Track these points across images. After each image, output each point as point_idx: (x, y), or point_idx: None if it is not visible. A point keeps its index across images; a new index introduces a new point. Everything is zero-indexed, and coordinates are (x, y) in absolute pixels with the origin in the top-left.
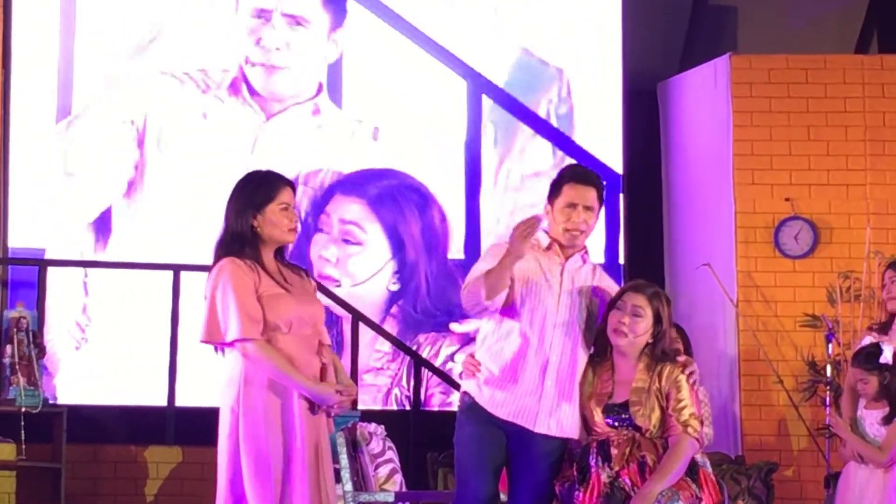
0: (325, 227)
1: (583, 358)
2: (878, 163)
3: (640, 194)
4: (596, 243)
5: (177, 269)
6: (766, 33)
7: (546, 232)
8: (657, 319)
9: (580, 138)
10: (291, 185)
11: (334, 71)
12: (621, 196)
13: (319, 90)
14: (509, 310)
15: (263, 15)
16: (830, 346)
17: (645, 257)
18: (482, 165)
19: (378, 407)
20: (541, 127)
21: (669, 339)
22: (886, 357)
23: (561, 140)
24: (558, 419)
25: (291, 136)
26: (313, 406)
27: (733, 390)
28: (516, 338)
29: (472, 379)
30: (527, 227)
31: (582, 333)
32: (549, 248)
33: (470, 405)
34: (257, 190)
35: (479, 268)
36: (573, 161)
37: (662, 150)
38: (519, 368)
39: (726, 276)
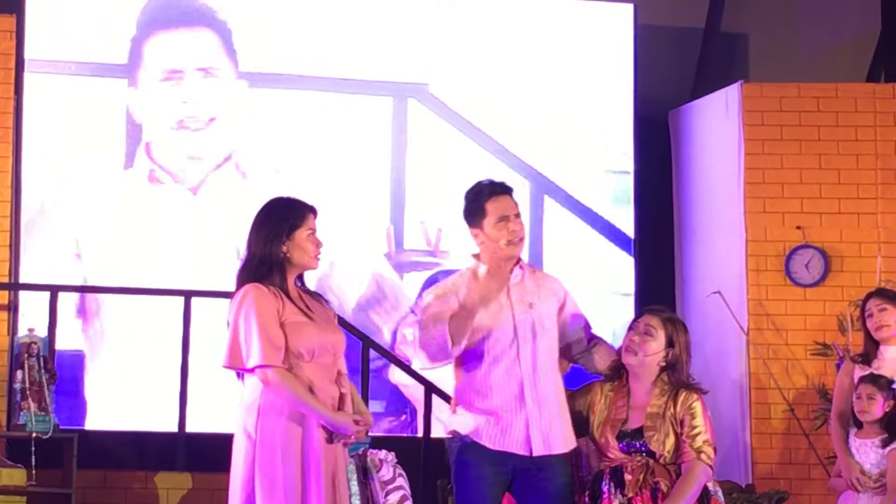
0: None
1: (555, 364)
2: (889, 191)
3: (651, 221)
4: (608, 270)
5: (188, 294)
6: (777, 62)
7: (476, 257)
8: (670, 343)
9: (590, 165)
10: (315, 211)
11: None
12: (632, 223)
13: (229, 157)
14: (472, 349)
15: (175, 75)
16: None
17: (656, 284)
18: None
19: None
20: (604, 228)
21: (686, 368)
22: None
23: (621, 240)
24: (552, 435)
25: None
26: (331, 435)
27: (744, 418)
28: (487, 371)
29: (463, 418)
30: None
31: (546, 343)
32: (487, 273)
33: (470, 445)
34: (286, 215)
35: (431, 316)
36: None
37: (674, 177)
38: (499, 399)
39: (737, 303)
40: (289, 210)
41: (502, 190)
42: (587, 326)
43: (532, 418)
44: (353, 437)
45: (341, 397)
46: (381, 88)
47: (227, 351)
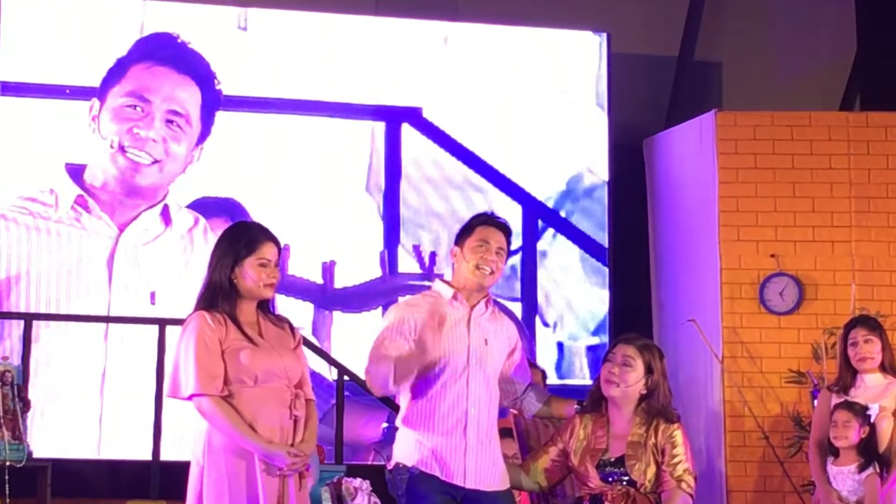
0: None
1: (496, 405)
2: (863, 219)
3: (626, 250)
4: (583, 296)
5: (162, 323)
6: (751, 90)
7: (448, 283)
8: (648, 370)
9: (568, 191)
10: (275, 241)
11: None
12: (608, 250)
13: (166, 194)
14: (423, 375)
15: (144, 107)
16: (815, 402)
17: (632, 312)
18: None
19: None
20: (594, 250)
21: (664, 392)
22: (874, 411)
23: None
24: (486, 472)
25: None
26: (268, 466)
27: (719, 446)
28: (435, 397)
29: (407, 450)
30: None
31: (493, 381)
32: (454, 297)
33: (419, 476)
34: (237, 243)
35: (385, 347)
36: None
37: (649, 205)
38: (442, 428)
39: (712, 331)
40: (241, 237)
41: (499, 224)
42: (525, 379)
43: (470, 451)
44: (286, 468)
45: (296, 421)
46: (375, 113)
47: (170, 381)
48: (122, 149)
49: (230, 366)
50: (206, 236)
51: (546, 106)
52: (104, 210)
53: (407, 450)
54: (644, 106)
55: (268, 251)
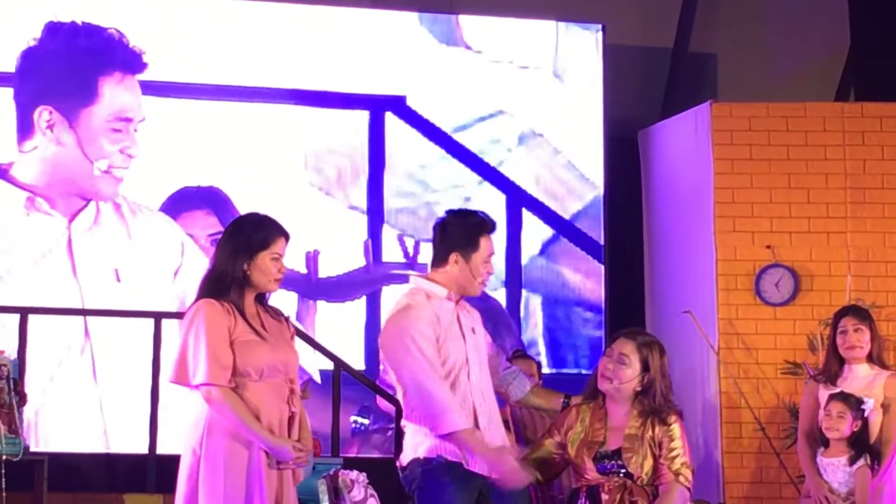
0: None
1: (492, 388)
2: (858, 210)
3: (621, 241)
4: (579, 289)
5: (158, 316)
6: (746, 81)
7: (432, 280)
8: (645, 367)
9: (562, 182)
10: (287, 236)
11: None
12: (602, 243)
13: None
14: None
15: (126, 127)
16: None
17: (627, 304)
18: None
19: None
20: (578, 243)
21: (664, 389)
22: (869, 406)
23: (595, 250)
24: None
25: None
26: (272, 460)
27: (715, 437)
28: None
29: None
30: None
31: (486, 366)
32: (448, 297)
33: (445, 465)
34: (254, 235)
35: (446, 400)
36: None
37: (644, 197)
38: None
39: (707, 323)
40: (257, 230)
41: (494, 229)
42: (500, 354)
43: (486, 439)
44: (291, 462)
45: (291, 416)
46: (359, 102)
47: (175, 366)
48: (110, 168)
49: (239, 358)
50: (133, 209)
51: (539, 97)
52: (53, 207)
53: (426, 444)
54: (639, 98)
55: (280, 246)
